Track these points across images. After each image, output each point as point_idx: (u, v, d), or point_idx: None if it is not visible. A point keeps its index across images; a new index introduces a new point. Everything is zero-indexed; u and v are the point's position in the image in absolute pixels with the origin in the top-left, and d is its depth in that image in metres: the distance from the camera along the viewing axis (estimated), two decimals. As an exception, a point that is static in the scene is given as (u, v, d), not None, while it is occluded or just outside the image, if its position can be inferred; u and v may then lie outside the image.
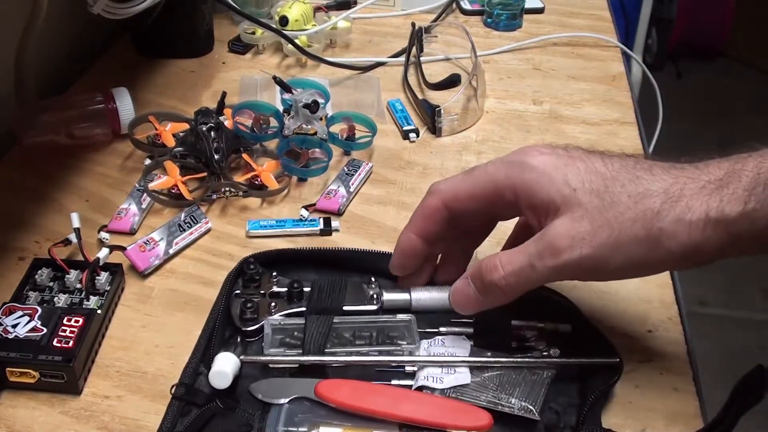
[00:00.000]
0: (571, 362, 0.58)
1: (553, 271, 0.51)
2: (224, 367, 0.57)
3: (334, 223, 0.75)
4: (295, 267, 0.67)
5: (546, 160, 0.52)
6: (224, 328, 0.62)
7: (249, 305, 0.62)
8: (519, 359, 0.58)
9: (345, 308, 0.62)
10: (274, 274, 0.65)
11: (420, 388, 0.57)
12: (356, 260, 0.68)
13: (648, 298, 0.67)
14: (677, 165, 0.52)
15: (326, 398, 0.54)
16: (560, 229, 0.50)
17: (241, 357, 0.58)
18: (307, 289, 0.63)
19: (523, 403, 0.55)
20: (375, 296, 0.63)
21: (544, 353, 0.59)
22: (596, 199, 0.50)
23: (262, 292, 0.64)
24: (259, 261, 0.66)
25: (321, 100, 0.84)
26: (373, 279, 0.64)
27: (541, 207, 0.52)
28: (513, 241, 0.61)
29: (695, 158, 0.52)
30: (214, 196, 0.78)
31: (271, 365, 0.59)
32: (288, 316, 0.62)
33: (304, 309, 0.62)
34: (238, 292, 0.64)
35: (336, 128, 0.86)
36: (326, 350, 0.59)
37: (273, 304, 0.63)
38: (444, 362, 0.58)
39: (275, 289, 0.64)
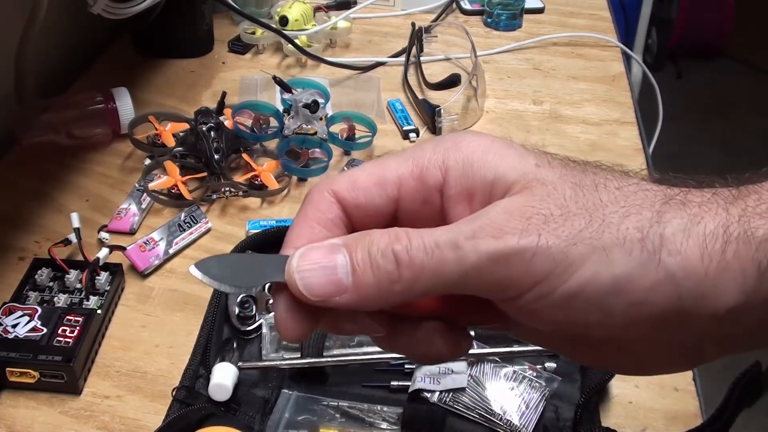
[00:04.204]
0: None
1: (485, 260, 0.30)
2: (223, 379, 0.56)
3: (334, 223, 0.75)
4: None
5: (491, 139, 0.34)
6: (221, 327, 0.62)
7: (246, 305, 0.62)
8: (518, 349, 0.58)
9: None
10: None
11: (417, 391, 0.57)
12: None
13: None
14: (664, 178, 0.34)
15: None
16: (511, 206, 0.31)
17: (239, 364, 0.58)
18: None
19: (517, 423, 0.55)
20: None
21: None
22: (569, 181, 0.32)
23: None
24: (253, 245, 0.66)
25: (321, 100, 0.84)
26: None
27: (482, 188, 0.33)
28: None
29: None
30: (214, 196, 0.78)
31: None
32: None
33: None
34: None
35: (336, 128, 0.86)
36: (325, 348, 0.59)
37: (271, 301, 0.63)
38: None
39: None
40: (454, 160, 0.34)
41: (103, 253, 0.68)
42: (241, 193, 0.78)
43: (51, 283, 0.65)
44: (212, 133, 0.79)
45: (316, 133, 0.82)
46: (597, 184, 0.32)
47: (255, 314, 0.62)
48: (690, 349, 0.32)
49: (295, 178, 0.81)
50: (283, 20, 1.02)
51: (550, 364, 0.59)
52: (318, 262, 0.31)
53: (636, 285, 0.30)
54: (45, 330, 0.59)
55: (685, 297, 0.29)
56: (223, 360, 0.58)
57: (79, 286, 0.65)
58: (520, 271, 0.30)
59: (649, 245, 0.30)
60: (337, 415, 0.56)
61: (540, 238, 0.30)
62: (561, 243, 0.30)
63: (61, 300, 0.64)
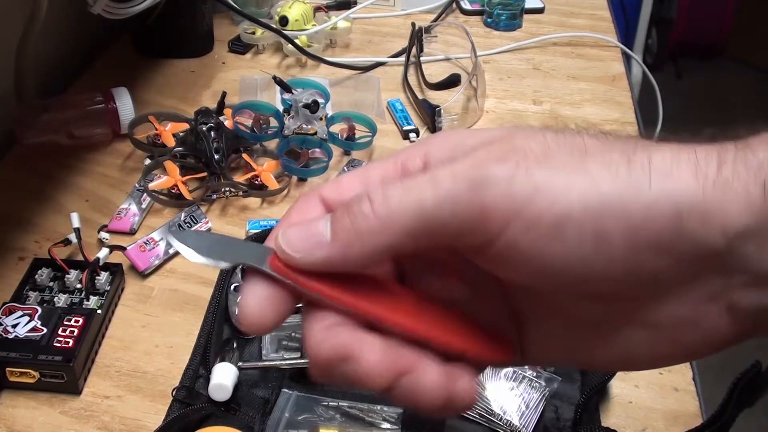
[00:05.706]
0: None
1: (462, 185, 0.29)
2: (223, 379, 0.56)
3: (334, 223, 0.75)
4: None
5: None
6: (221, 327, 0.62)
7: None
8: None
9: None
10: None
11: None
12: None
13: (648, 298, 0.67)
14: None
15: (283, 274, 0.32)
16: (492, 147, 0.31)
17: (239, 364, 0.58)
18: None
19: (517, 424, 0.55)
20: None
21: None
22: (551, 131, 0.32)
23: None
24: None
25: (321, 100, 0.84)
26: None
27: (463, 153, 0.31)
28: None
29: None
30: (214, 196, 0.78)
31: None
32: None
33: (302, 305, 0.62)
34: (237, 285, 0.64)
35: (336, 128, 0.86)
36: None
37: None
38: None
39: None
40: (434, 143, 0.34)
41: (103, 253, 0.68)
42: (241, 193, 0.78)
43: (51, 283, 0.65)
44: (212, 133, 0.79)
45: (316, 133, 0.82)
46: (579, 130, 0.31)
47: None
48: (717, 300, 0.29)
49: (295, 178, 0.81)
50: (283, 20, 1.02)
51: (550, 364, 0.59)
52: (301, 224, 0.31)
53: (630, 206, 0.28)
54: (45, 330, 0.59)
55: (687, 217, 0.27)
56: (223, 360, 0.58)
57: (79, 286, 0.65)
58: (499, 194, 0.28)
59: (636, 167, 0.28)
60: (337, 415, 0.56)
61: (519, 165, 0.29)
62: (542, 169, 0.29)
63: (61, 300, 0.64)
